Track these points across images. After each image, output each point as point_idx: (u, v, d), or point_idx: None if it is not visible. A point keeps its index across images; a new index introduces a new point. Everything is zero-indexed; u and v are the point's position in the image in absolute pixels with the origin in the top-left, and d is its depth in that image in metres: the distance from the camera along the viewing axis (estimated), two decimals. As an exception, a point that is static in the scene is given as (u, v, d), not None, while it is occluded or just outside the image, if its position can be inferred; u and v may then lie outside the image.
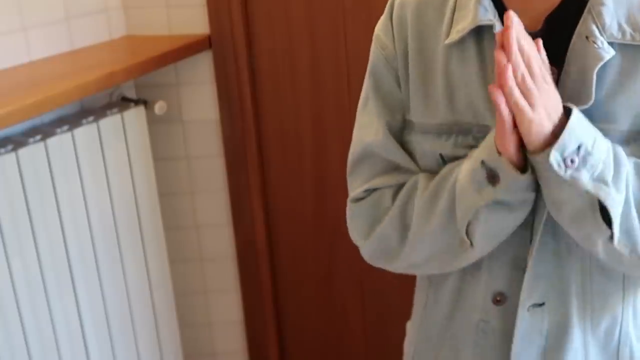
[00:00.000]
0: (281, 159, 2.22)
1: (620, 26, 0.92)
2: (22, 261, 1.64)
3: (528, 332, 1.00)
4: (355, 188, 1.07)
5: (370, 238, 1.05)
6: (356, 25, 2.04)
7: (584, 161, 0.86)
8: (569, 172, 0.86)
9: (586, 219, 0.90)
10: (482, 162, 0.90)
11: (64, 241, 1.75)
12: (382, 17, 1.08)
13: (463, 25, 0.97)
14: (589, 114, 0.91)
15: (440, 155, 1.00)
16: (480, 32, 0.96)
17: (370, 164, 1.06)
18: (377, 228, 1.04)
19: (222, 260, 2.28)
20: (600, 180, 0.87)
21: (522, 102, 0.84)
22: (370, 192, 1.05)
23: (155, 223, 2.03)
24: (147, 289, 2.02)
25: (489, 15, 0.95)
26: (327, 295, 2.32)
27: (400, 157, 1.04)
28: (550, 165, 0.85)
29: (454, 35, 0.97)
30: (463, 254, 0.98)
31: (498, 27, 0.93)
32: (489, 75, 0.95)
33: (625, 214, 0.89)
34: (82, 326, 1.82)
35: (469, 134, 0.97)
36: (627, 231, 0.90)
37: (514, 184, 0.90)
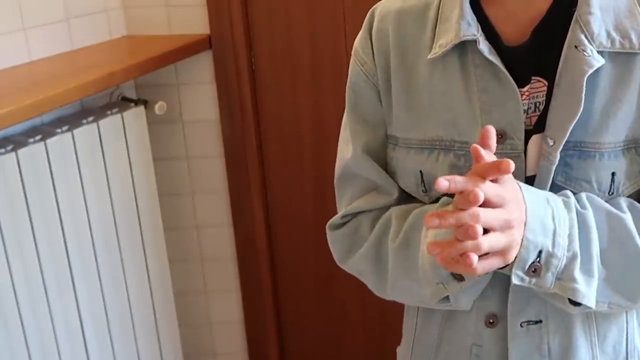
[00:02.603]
0: (281, 159, 2.22)
1: (609, 34, 0.90)
2: (22, 261, 1.64)
3: (525, 351, 0.97)
4: (339, 210, 1.07)
5: (347, 265, 1.05)
6: (356, 25, 2.03)
7: (547, 265, 0.84)
8: (534, 281, 0.85)
9: (559, 302, 0.91)
10: None
11: (64, 241, 1.74)
12: (361, 32, 1.05)
13: (446, 40, 0.94)
14: (583, 127, 0.89)
15: (421, 172, 0.98)
16: (463, 47, 0.94)
17: (350, 184, 1.05)
18: (352, 257, 1.03)
19: (222, 260, 2.28)
20: (565, 278, 0.86)
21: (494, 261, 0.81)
22: (348, 217, 1.05)
23: (155, 223, 2.03)
24: (147, 289, 2.02)
25: (472, 30, 0.92)
26: (327, 295, 2.32)
27: (378, 176, 1.02)
28: (514, 282, 0.85)
29: (437, 50, 0.94)
30: (447, 304, 0.97)
31: (482, 42, 0.91)
32: (472, 90, 0.93)
33: (601, 285, 0.89)
34: (82, 326, 1.82)
35: (451, 151, 0.95)
36: (603, 293, 0.89)
37: (481, 278, 0.90)
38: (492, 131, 0.81)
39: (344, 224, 1.05)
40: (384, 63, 1.00)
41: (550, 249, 0.84)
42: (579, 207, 0.88)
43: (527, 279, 0.85)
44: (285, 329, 2.40)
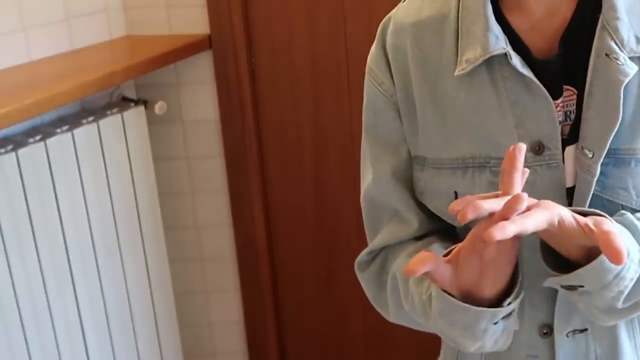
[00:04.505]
0: (281, 159, 2.22)
1: (638, 39, 0.86)
2: (22, 261, 1.64)
3: (571, 359, 0.96)
4: (367, 237, 1.04)
5: (381, 308, 1.04)
6: (356, 25, 2.04)
7: (581, 293, 0.82)
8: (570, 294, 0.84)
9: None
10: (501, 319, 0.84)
11: (64, 241, 1.75)
12: (374, 48, 0.99)
13: (474, 55, 0.89)
14: (616, 134, 0.85)
15: (455, 193, 0.93)
16: (490, 60, 0.89)
17: (373, 214, 1.02)
18: (383, 295, 1.02)
19: (222, 260, 2.28)
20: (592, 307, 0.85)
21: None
22: (374, 253, 1.03)
23: (155, 223, 2.03)
24: (147, 289, 2.02)
25: (501, 44, 0.87)
26: (327, 295, 2.32)
27: (399, 202, 0.98)
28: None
29: (464, 66, 0.89)
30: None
31: (514, 56, 0.87)
32: (504, 103, 0.89)
33: None
34: (82, 326, 1.82)
35: (486, 168, 0.91)
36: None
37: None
38: (523, 148, 0.77)
39: (371, 260, 1.03)
40: (403, 81, 0.95)
41: (588, 288, 0.81)
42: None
43: (563, 290, 0.84)
44: (285, 329, 2.40)
